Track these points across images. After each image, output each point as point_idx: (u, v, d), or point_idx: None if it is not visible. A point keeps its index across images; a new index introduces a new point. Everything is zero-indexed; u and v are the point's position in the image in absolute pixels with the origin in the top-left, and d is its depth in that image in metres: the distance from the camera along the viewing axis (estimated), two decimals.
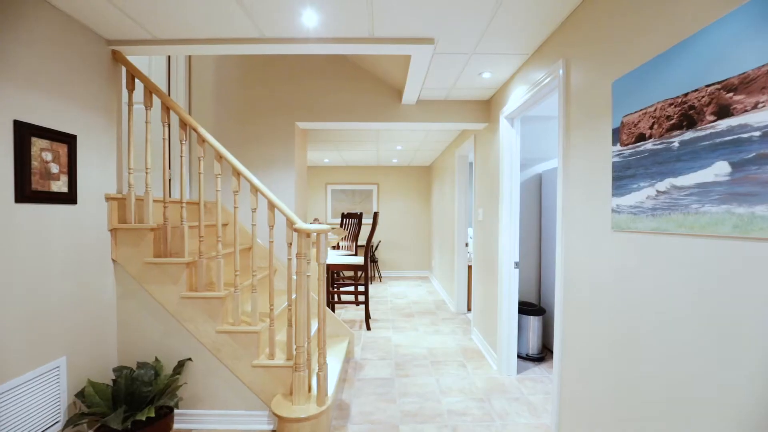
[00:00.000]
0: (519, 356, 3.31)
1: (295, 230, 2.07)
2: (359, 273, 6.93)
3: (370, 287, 6.50)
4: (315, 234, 2.15)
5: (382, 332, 4.03)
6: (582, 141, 1.80)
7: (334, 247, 5.89)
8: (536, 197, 3.70)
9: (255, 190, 2.23)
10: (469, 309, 4.88)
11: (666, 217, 1.22)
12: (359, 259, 4.19)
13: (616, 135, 1.49)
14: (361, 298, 5.37)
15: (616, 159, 1.48)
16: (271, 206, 2.22)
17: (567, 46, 1.96)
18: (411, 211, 7.65)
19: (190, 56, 3.33)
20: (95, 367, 2.11)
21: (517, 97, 2.65)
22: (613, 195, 1.50)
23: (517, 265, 2.92)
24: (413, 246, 7.67)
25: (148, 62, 3.23)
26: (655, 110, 1.27)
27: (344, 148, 5.56)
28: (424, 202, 7.65)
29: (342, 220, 5.36)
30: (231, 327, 2.23)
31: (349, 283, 4.68)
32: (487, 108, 3.34)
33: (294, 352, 2.16)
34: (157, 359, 2.25)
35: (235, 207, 2.26)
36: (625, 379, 1.48)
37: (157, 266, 2.23)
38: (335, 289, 5.04)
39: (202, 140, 2.26)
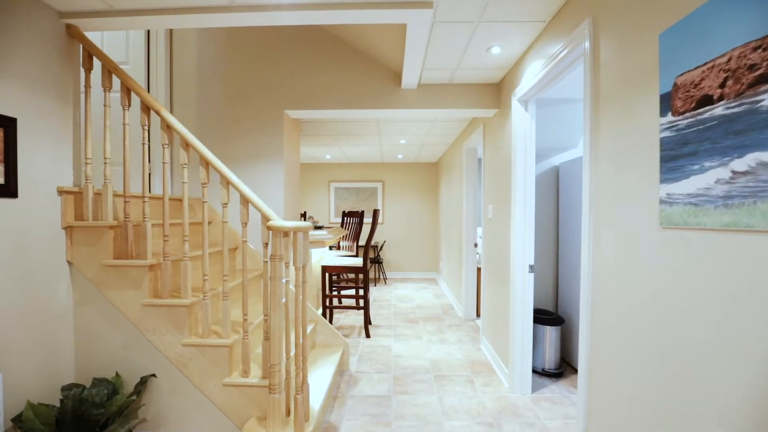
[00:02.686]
0: (534, 371, 2.95)
1: (269, 228, 1.76)
2: (360, 275, 6.63)
3: (374, 290, 6.18)
4: (300, 233, 1.85)
5: (383, 340, 3.70)
6: (615, 116, 1.45)
7: (334, 248, 5.59)
8: (553, 193, 3.33)
9: (226, 182, 1.94)
10: (478, 315, 4.52)
11: (749, 208, 0.87)
12: (358, 261, 3.87)
13: (666, 102, 1.14)
14: (361, 302, 5.05)
15: (667, 134, 1.13)
16: (245, 201, 1.92)
17: (594, 3, 1.60)
18: (418, 210, 7.31)
19: (171, 40, 3.06)
20: (43, 385, 1.83)
21: (531, 74, 2.29)
22: (662, 181, 1.15)
23: (532, 268, 2.56)
24: (420, 246, 7.32)
25: (125, 49, 2.97)
26: (729, 60, 0.92)
27: (345, 142, 5.25)
28: (432, 200, 7.30)
29: (343, 219, 5.07)
30: (198, 339, 1.93)
31: (350, 285, 4.38)
32: (497, 92, 2.98)
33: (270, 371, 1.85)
34: (117, 374, 1.97)
35: (203, 201, 1.96)
36: (672, 412, 1.13)
37: (116, 269, 1.95)
38: (334, 293, 4.73)
39: (167, 125, 1.97)
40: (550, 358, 2.92)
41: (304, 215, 3.77)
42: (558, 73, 2.08)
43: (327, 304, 4.14)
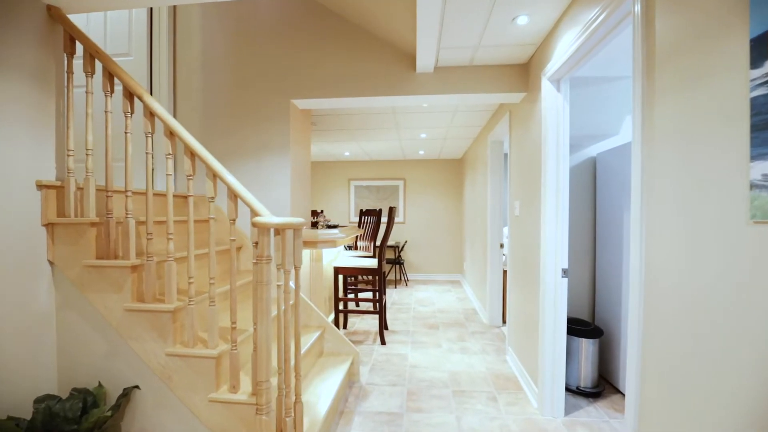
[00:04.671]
0: (567, 389, 2.59)
1: (254, 224, 1.54)
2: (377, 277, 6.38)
3: (394, 292, 5.92)
4: (289, 231, 1.63)
5: (399, 348, 3.43)
6: (677, 81, 1.12)
7: (350, 247, 5.38)
8: (589, 187, 2.95)
9: (212, 174, 1.73)
10: (504, 321, 4.17)
11: None
12: (373, 262, 3.62)
13: (762, 48, 0.81)
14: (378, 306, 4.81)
15: (763, 91, 0.81)
16: (232, 194, 1.71)
17: None
18: (441, 209, 6.98)
19: (174, 30, 2.92)
20: (20, 395, 1.69)
21: (564, 47, 1.97)
22: (755, 157, 0.83)
23: (565, 273, 2.22)
24: (443, 247, 6.99)
25: (128, 40, 2.86)
26: None
27: (362, 137, 5.02)
28: (456, 198, 6.95)
29: (360, 218, 4.84)
30: (182, 349, 1.74)
31: (367, 288, 4.15)
32: (524, 73, 2.65)
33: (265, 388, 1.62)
34: (100, 385, 1.81)
35: (189, 196, 1.77)
36: None
37: (97, 270, 1.79)
38: (350, 296, 4.51)
39: (150, 112, 1.80)
40: (586, 375, 2.55)
41: (316, 213, 3.57)
42: (596, 41, 1.75)
43: (340, 307, 3.93)
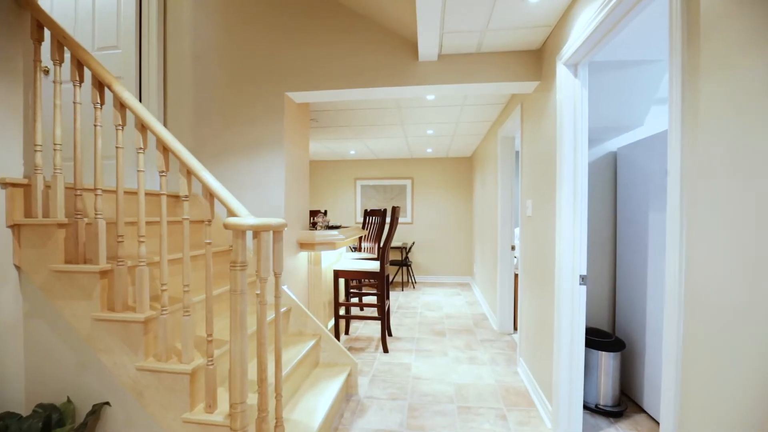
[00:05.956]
0: (585, 406, 2.36)
1: (225, 226, 1.36)
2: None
3: (401, 295, 5.71)
4: (266, 233, 1.45)
5: (402, 356, 3.23)
6: (732, 49, 0.90)
7: (355, 249, 5.21)
8: (609, 186, 2.70)
9: (186, 170, 1.56)
10: (515, 328, 3.93)
11: None
12: (375, 265, 3.43)
13: None
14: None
15: None
16: (208, 193, 1.54)
17: None
18: (450, 209, 6.74)
19: (164, 22, 2.78)
20: None
21: (583, 25, 1.74)
22: None
23: (583, 279, 1.99)
24: (453, 248, 6.75)
25: (116, 33, 2.72)
26: None
27: (367, 134, 4.83)
28: (466, 197, 6.70)
29: (365, 218, 4.65)
30: (154, 364, 1.57)
31: (371, 292, 3.96)
32: (537, 60, 2.42)
33: (240, 410, 1.45)
34: (69, 400, 1.66)
35: (161, 194, 1.60)
36: None
37: (65, 275, 1.64)
38: (354, 300, 4.33)
39: (120, 104, 1.64)
40: (606, 392, 2.31)
41: (316, 213, 3.39)
42: (620, 16, 1.52)
43: (341, 313, 3.75)
